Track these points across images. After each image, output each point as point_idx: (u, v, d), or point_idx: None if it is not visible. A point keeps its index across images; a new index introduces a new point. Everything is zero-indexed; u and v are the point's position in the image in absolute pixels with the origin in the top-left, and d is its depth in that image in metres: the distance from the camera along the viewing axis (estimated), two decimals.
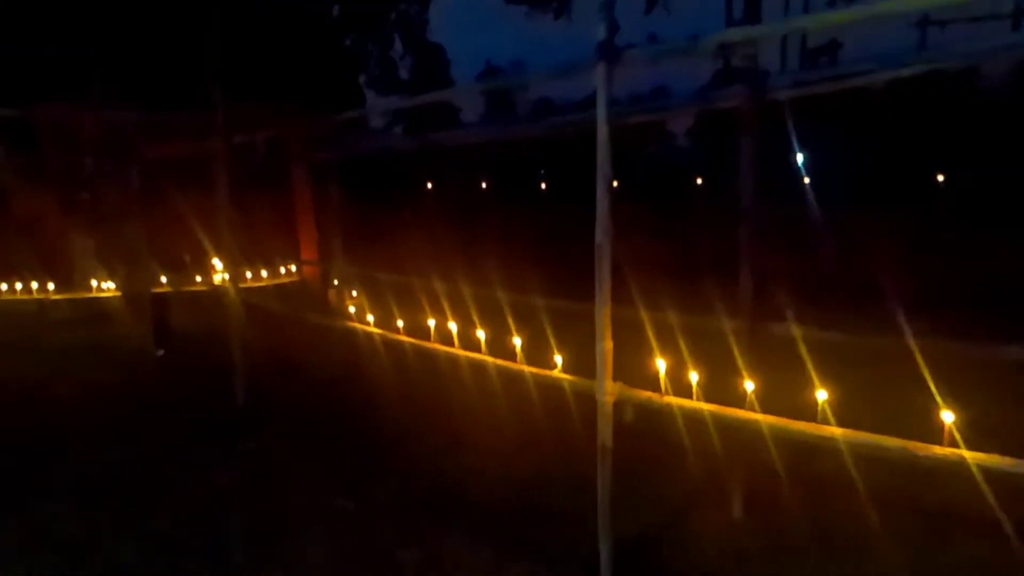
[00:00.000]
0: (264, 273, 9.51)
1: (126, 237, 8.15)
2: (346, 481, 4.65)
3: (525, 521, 4.05)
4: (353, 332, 5.30)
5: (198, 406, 6.30)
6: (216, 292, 8.91)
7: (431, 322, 4.36)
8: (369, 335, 5.04)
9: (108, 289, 8.52)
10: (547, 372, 3.49)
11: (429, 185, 17.22)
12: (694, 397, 2.93)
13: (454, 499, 4.38)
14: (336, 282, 10.72)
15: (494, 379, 3.80)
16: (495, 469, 4.75)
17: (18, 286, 8.59)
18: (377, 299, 6.91)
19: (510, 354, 3.82)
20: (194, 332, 8.71)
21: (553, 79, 3.72)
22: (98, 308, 8.54)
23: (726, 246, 3.94)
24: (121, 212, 8.14)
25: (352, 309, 5.52)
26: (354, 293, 10.89)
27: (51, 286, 8.54)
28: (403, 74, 21.33)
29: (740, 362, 3.17)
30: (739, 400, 2.92)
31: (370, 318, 5.11)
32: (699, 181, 18.01)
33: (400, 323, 4.78)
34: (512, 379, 3.71)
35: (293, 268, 9.90)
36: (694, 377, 2.97)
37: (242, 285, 9.23)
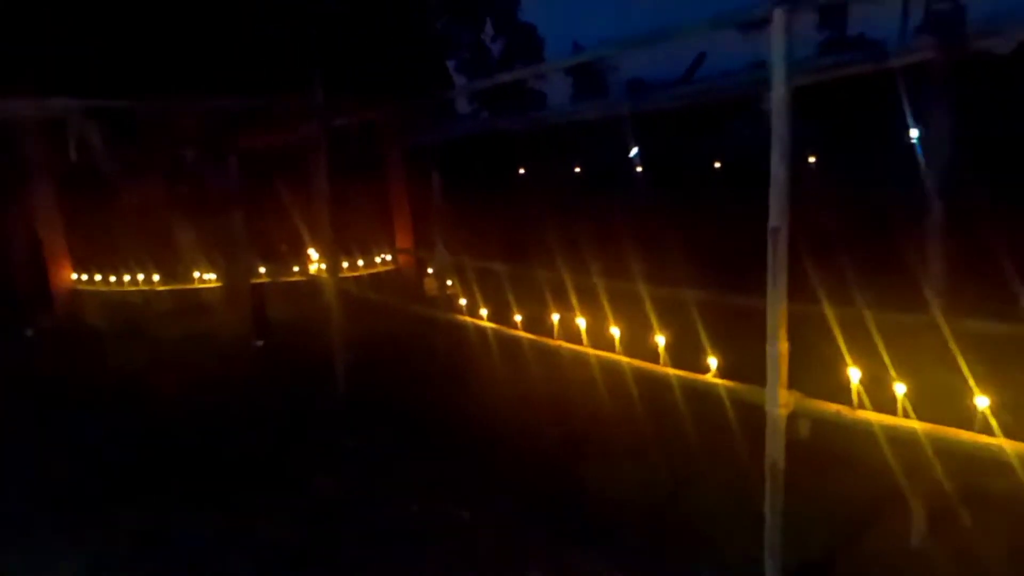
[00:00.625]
0: (360, 262, 9.34)
1: (226, 228, 8.07)
2: (458, 487, 4.31)
3: (666, 542, 3.59)
4: (459, 325, 4.96)
5: (298, 399, 6.12)
6: (313, 282, 8.79)
7: (554, 316, 3.95)
8: (477, 328, 4.68)
9: (209, 280, 8.51)
10: (699, 377, 3.02)
11: (522, 171, 16.82)
12: (899, 412, 2.40)
13: (582, 512, 3.95)
14: (431, 271, 10.49)
15: (629, 382, 3.35)
16: (629, 481, 4.27)
17: (126, 278, 8.70)
18: (477, 289, 6.57)
19: (643, 353, 3.36)
20: (292, 322, 8.61)
21: (716, 28, 3.14)
22: (199, 299, 8.56)
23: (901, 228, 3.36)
24: (221, 203, 8.07)
25: (461, 301, 5.16)
26: (448, 282, 10.69)
27: (156, 277, 8.61)
28: (494, 58, 20.95)
29: (949, 366, 2.60)
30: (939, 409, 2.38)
31: (483, 312, 4.75)
32: (811, 159, 16.86)
33: (517, 317, 4.38)
34: (650, 383, 3.25)
35: (388, 257, 9.70)
36: (900, 389, 2.43)
37: (339, 275, 9.13)
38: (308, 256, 10.31)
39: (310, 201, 10.41)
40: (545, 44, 24.05)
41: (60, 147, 8.94)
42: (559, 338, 3.84)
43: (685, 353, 3.25)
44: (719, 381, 2.92)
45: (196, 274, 8.45)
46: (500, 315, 4.70)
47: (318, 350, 7.40)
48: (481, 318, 4.73)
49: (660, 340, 3.24)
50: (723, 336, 3.40)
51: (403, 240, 9.85)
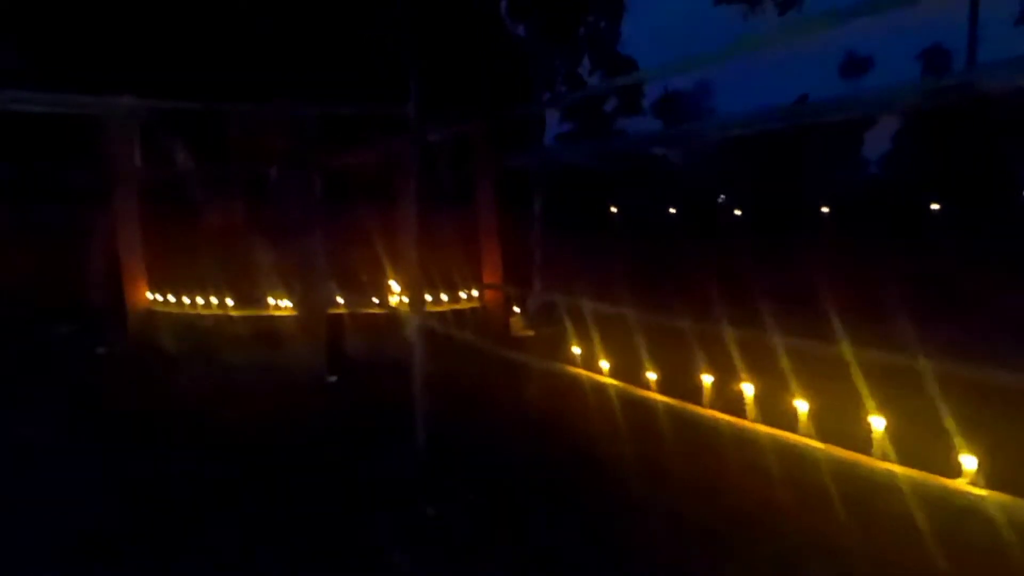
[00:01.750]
0: (443, 297, 8.66)
1: (305, 253, 7.52)
2: None
3: None
4: (566, 377, 4.13)
5: (372, 449, 5.37)
6: (393, 316, 8.13)
7: (704, 378, 3.08)
8: (593, 384, 3.84)
9: (284, 308, 7.96)
10: (947, 483, 2.09)
11: (614, 208, 16.05)
12: None
13: None
14: (517, 310, 9.73)
15: (824, 478, 2.43)
16: None
17: (199, 300, 8.26)
18: (580, 333, 5.74)
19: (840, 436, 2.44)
20: (368, 359, 7.93)
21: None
22: (273, 327, 8.01)
23: None
24: (302, 226, 7.53)
25: (575, 349, 4.33)
26: (542, 326, 9.87)
27: (229, 301, 8.12)
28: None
29: None
30: None
31: (602, 365, 3.91)
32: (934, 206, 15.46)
33: (650, 375, 3.52)
34: (858, 483, 2.32)
35: (475, 293, 9.00)
36: None
37: (413, 310, 8.45)
38: (388, 288, 9.71)
39: (393, 228, 9.90)
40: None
41: (143, 162, 8.67)
42: (712, 406, 2.97)
43: (912, 440, 2.32)
44: (982, 492, 1.98)
45: (271, 300, 7.93)
46: (620, 368, 3.85)
47: (395, 392, 6.68)
48: (598, 371, 3.89)
49: (876, 422, 2.33)
50: (971, 421, 2.43)
51: (491, 275, 9.12)
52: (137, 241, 8.80)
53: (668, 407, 3.15)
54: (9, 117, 9.73)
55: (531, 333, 9.56)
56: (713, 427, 2.85)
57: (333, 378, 7.31)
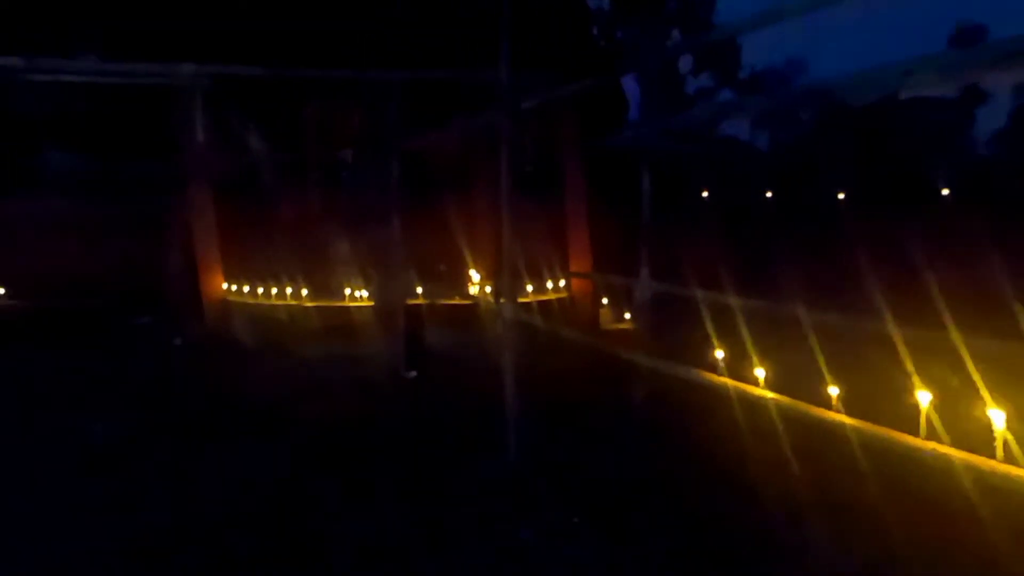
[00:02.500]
0: (528, 287, 8.09)
1: (383, 241, 7.05)
2: None
3: None
4: (695, 381, 3.48)
5: (456, 455, 4.82)
6: (474, 307, 7.61)
7: (921, 396, 2.38)
8: (742, 397, 3.17)
9: (361, 299, 7.54)
10: None
11: (705, 194, 15.14)
12: None
13: None
14: (606, 300, 9.08)
15: None
16: None
17: (273, 291, 7.93)
18: (695, 329, 5.06)
19: None
20: (450, 353, 7.43)
21: None
22: (349, 319, 7.60)
23: None
24: (380, 213, 7.07)
25: (718, 353, 3.65)
26: (626, 315, 9.20)
27: (304, 292, 7.76)
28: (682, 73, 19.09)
29: None
30: None
31: (758, 374, 3.23)
32: None
33: (832, 390, 2.82)
34: None
35: (562, 283, 8.39)
36: None
37: (503, 300, 7.90)
38: (468, 277, 9.20)
39: (472, 214, 9.38)
40: (742, 56, 21.82)
41: (216, 150, 8.39)
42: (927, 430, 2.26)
43: None
44: None
45: (347, 291, 7.52)
46: (761, 373, 3.16)
47: (480, 390, 6.15)
48: (748, 380, 3.21)
49: None
50: None
51: (579, 263, 8.49)
52: (212, 231, 8.56)
53: (864, 434, 2.43)
54: (87, 112, 9.66)
55: (625, 326, 8.90)
56: (940, 465, 2.13)
57: (412, 373, 6.83)
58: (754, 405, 2.74)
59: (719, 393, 2.98)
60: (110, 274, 9.32)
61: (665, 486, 4.16)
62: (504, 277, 4.56)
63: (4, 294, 9.01)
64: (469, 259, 9.34)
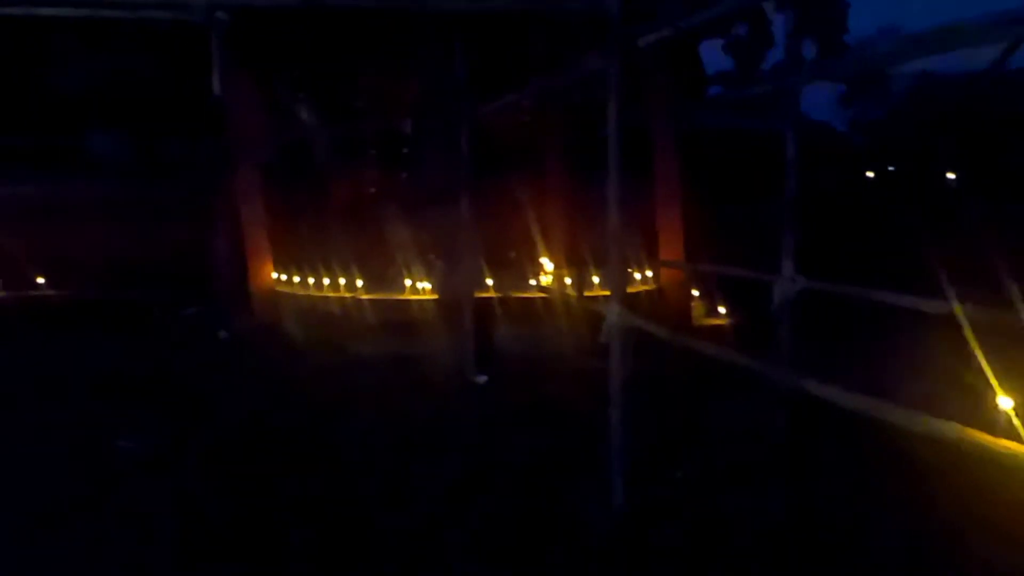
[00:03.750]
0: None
1: (448, 225, 6.12)
2: None
3: None
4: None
5: (542, 494, 3.86)
6: (551, 301, 6.64)
7: None
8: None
9: (423, 291, 6.65)
10: None
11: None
12: None
13: None
14: (697, 293, 8.00)
15: None
16: None
17: (325, 281, 7.10)
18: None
19: None
20: (523, 352, 6.47)
21: None
22: (409, 313, 6.70)
23: None
24: (445, 192, 6.13)
25: None
26: (720, 309, 8.10)
27: (359, 283, 6.90)
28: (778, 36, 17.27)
29: None
30: None
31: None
32: None
33: None
34: None
35: (649, 273, 7.34)
36: None
37: (586, 293, 6.90)
38: (541, 267, 8.23)
39: (544, 193, 8.39)
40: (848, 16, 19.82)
41: (267, 127, 7.57)
42: None
43: None
44: None
45: (407, 282, 6.63)
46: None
47: (566, 402, 5.21)
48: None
49: None
50: None
51: (669, 250, 7.40)
52: (261, 216, 7.77)
53: None
54: (128, 91, 8.99)
55: (719, 321, 7.82)
56: None
57: (482, 378, 5.90)
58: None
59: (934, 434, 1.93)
60: (155, 261, 8.65)
61: (832, 547, 3.12)
62: (612, 269, 3.54)
63: (43, 283, 8.41)
64: (541, 245, 8.37)
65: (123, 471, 4.18)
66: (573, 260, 7.56)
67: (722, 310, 8.08)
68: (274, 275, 7.79)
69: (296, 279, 7.40)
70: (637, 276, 7.28)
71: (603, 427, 3.52)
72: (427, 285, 6.61)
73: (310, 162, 7.55)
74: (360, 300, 6.72)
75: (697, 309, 7.84)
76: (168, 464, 4.30)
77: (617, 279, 3.50)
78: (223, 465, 4.27)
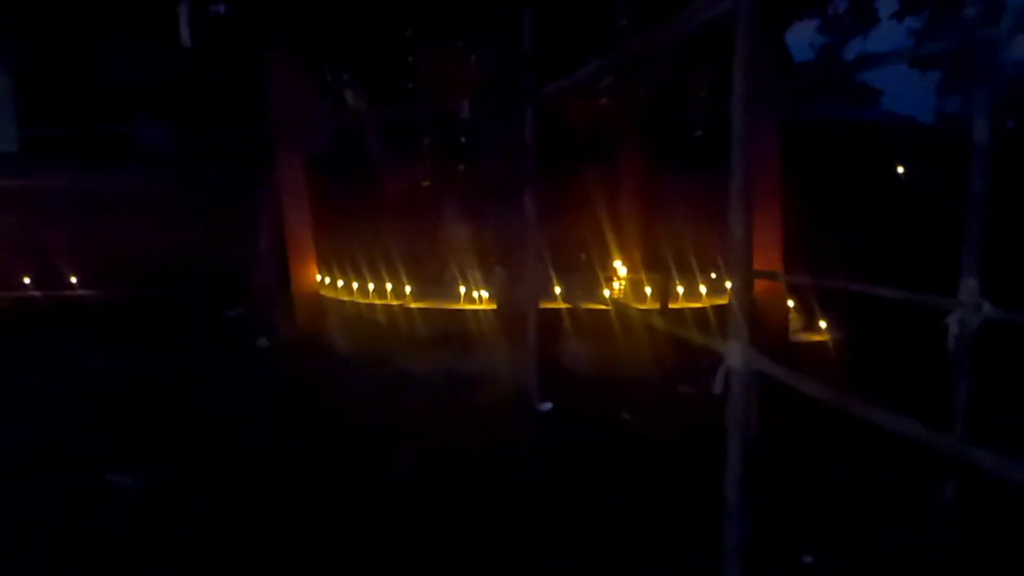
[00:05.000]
0: (702, 288, 6.10)
1: (511, 224, 5.25)
2: None
3: None
4: None
5: (618, 567, 2.96)
6: (626, 313, 5.70)
7: None
8: None
9: (480, 300, 5.81)
10: None
11: (901, 169, 12.43)
12: None
13: None
14: (792, 304, 6.97)
15: None
16: None
17: (370, 286, 6.32)
18: None
19: None
20: (595, 373, 5.55)
21: None
22: (464, 326, 5.86)
23: None
24: (507, 185, 5.27)
25: None
26: (823, 325, 7.04)
27: (408, 290, 6.10)
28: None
29: None
30: None
31: None
32: None
33: None
34: None
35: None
36: None
37: (671, 305, 5.94)
38: (613, 272, 7.31)
39: (616, 188, 7.45)
40: None
41: (312, 113, 6.83)
42: None
43: None
44: None
45: (462, 289, 5.80)
46: None
47: (651, 440, 4.32)
48: None
49: None
50: None
51: (766, 257, 6.37)
52: (305, 212, 7.06)
53: None
54: (172, 77, 8.41)
55: (819, 337, 6.77)
56: None
57: (547, 406, 5.01)
58: None
59: None
60: (193, 258, 8.08)
61: None
62: (735, 293, 2.60)
63: (75, 283, 7.88)
64: (614, 248, 7.44)
65: (105, 512, 3.45)
66: (653, 265, 6.61)
67: (822, 324, 7.03)
68: (318, 277, 7.07)
69: (341, 283, 6.65)
70: (728, 285, 6.27)
71: (700, 475, 2.61)
72: (485, 293, 5.76)
73: (358, 152, 6.77)
74: (409, 309, 5.91)
75: (794, 322, 6.81)
76: (163, 506, 3.56)
77: (741, 304, 2.56)
78: (231, 509, 3.51)
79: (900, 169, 11.85)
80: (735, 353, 2.45)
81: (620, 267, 7.59)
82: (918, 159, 13.93)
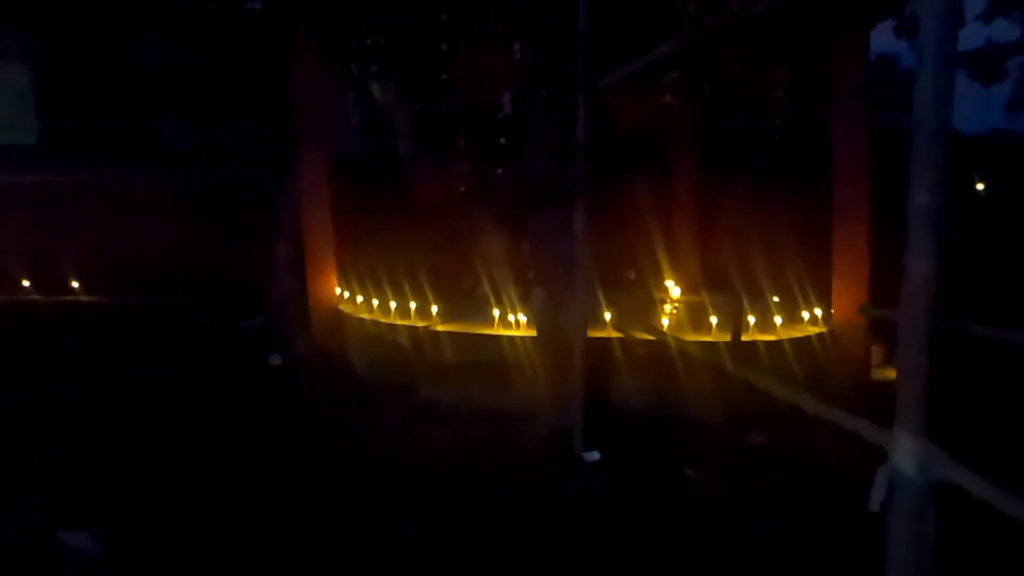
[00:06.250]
0: (777, 320, 5.25)
1: (555, 238, 4.49)
2: None
3: None
4: None
5: None
6: (683, 347, 4.87)
7: None
8: None
9: (517, 324, 5.04)
10: None
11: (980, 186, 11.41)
12: None
13: None
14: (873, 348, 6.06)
15: None
16: None
17: (392, 304, 5.61)
18: None
19: None
20: (652, 419, 4.72)
21: None
22: (498, 353, 5.07)
23: None
24: (552, 193, 4.51)
25: None
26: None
27: (435, 310, 5.36)
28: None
29: None
30: None
31: None
32: None
33: None
34: None
35: (818, 311, 5.49)
36: None
37: (744, 337, 5.11)
38: (665, 292, 6.52)
39: (669, 199, 6.66)
40: None
41: (336, 108, 6.16)
42: None
43: None
44: None
45: (496, 312, 5.04)
46: None
47: (726, 504, 3.54)
48: None
49: None
50: None
51: (848, 286, 5.47)
52: (327, 218, 6.39)
53: None
54: (188, 69, 7.85)
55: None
56: None
57: (594, 455, 4.21)
58: None
59: None
60: (210, 264, 7.48)
61: None
62: (907, 350, 1.74)
63: (76, 288, 7.29)
64: (665, 264, 6.65)
65: None
66: (715, 286, 5.80)
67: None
68: (337, 291, 6.38)
69: (361, 298, 5.95)
70: (805, 315, 5.42)
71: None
72: (523, 317, 5.00)
73: (386, 153, 6.06)
74: (436, 332, 5.17)
75: (877, 355, 5.91)
76: None
77: (912, 372, 1.71)
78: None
79: (979, 186, 10.84)
80: (906, 452, 1.62)
81: (673, 287, 6.78)
82: (996, 175, 12.85)
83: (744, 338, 4.80)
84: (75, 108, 8.66)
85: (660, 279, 6.71)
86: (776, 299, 5.84)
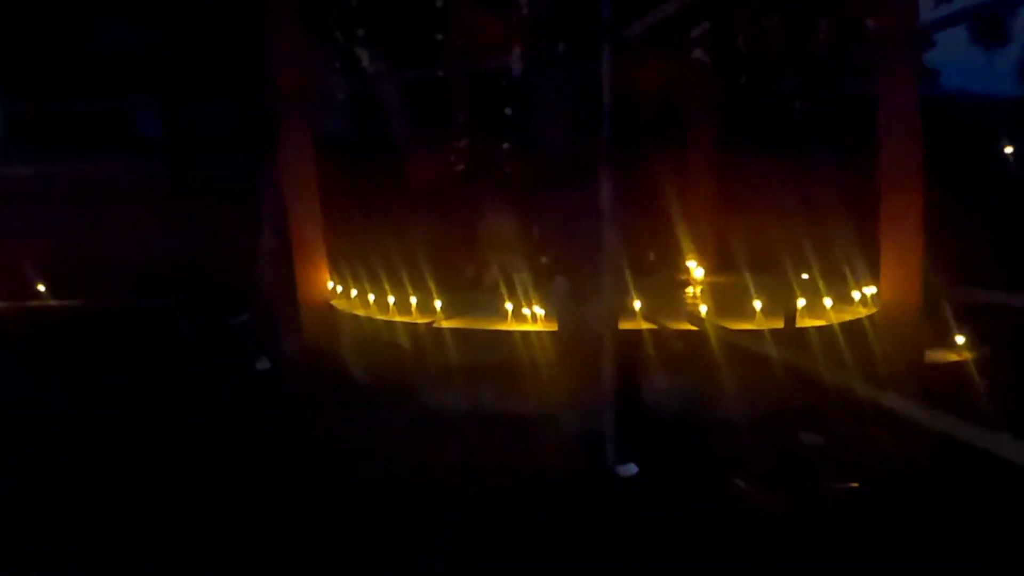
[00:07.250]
0: (827, 301, 4.67)
1: (575, 220, 3.88)
2: None
3: None
4: None
5: None
6: (730, 339, 4.28)
7: None
8: None
9: (534, 319, 4.46)
10: None
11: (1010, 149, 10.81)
12: None
13: None
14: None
15: None
16: None
17: (389, 299, 5.02)
18: None
19: None
20: (694, 423, 4.13)
21: None
22: (511, 352, 4.48)
23: None
24: (570, 168, 3.90)
25: None
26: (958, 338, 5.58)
27: (438, 304, 4.77)
28: None
29: None
30: None
31: None
32: None
33: None
34: None
35: (867, 290, 4.92)
36: None
37: (799, 324, 4.53)
38: (686, 273, 5.96)
39: (687, 170, 6.08)
40: None
41: (321, 80, 5.54)
42: None
43: None
44: None
45: (508, 305, 4.46)
46: None
47: (782, 528, 3.01)
48: None
49: None
50: None
51: (898, 258, 4.86)
52: (315, 204, 5.79)
53: None
54: (157, 46, 7.21)
55: (958, 356, 5.30)
56: None
57: (630, 469, 3.63)
58: None
59: None
60: (187, 260, 6.89)
61: None
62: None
63: (43, 292, 6.67)
64: (685, 244, 6.09)
65: None
66: (753, 266, 5.21)
67: (959, 339, 5.55)
68: (329, 284, 5.80)
69: (356, 293, 5.37)
70: (855, 295, 4.85)
71: None
72: (540, 311, 4.42)
73: (377, 131, 5.46)
74: (439, 329, 4.58)
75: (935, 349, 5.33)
76: None
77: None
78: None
79: (1009, 149, 10.21)
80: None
81: (695, 268, 6.22)
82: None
83: (801, 324, 4.23)
84: (39, 93, 8.02)
85: (682, 259, 6.15)
86: (805, 276, 5.27)
